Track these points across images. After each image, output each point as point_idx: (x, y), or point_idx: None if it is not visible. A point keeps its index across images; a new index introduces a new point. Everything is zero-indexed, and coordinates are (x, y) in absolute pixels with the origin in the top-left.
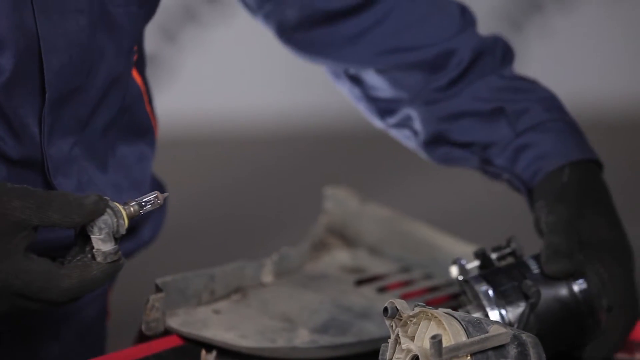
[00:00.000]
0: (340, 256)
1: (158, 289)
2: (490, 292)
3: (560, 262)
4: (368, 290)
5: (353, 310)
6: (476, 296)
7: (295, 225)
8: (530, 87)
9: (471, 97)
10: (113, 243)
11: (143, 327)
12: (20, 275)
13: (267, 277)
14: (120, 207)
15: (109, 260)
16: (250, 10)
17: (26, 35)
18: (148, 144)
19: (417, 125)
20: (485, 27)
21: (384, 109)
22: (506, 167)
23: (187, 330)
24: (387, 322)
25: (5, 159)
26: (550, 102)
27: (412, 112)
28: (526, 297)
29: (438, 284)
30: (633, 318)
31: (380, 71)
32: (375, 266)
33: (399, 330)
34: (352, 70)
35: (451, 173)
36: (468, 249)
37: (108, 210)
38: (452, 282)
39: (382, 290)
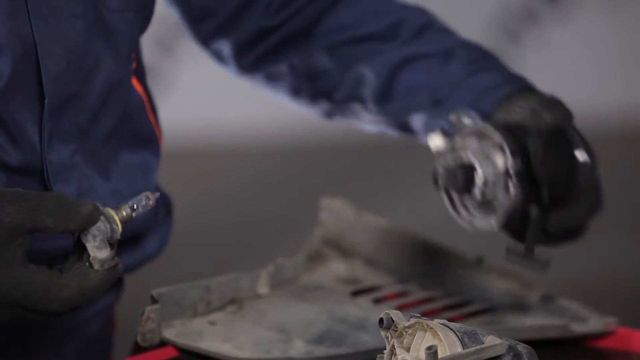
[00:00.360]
0: (336, 267)
1: (153, 300)
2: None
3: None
4: (364, 301)
5: (349, 321)
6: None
7: (291, 236)
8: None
9: (421, 45)
10: (109, 249)
11: (139, 339)
12: (20, 286)
13: (263, 288)
14: (113, 212)
15: (106, 266)
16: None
17: (23, 40)
18: (152, 153)
19: (369, 83)
20: (482, 37)
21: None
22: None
23: (182, 341)
24: (383, 333)
25: (4, 166)
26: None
27: (364, 71)
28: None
29: (434, 295)
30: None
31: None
32: (371, 277)
33: (395, 341)
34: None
35: None
36: (463, 260)
37: (101, 216)
38: (449, 293)
39: (377, 301)
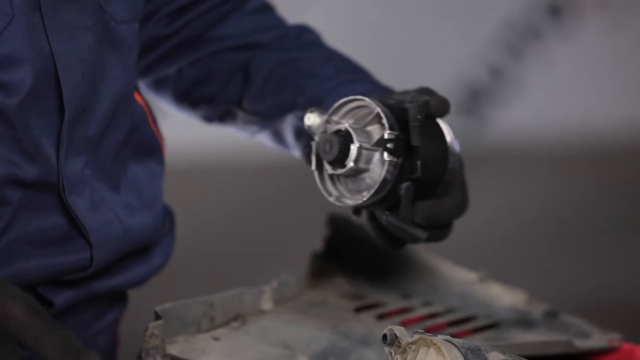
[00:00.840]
0: (340, 283)
1: (157, 317)
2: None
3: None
4: (367, 317)
5: (352, 337)
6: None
7: (294, 252)
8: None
9: (302, 50)
10: None
11: (142, 355)
12: None
13: (267, 304)
14: None
15: None
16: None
17: (42, 54)
18: (157, 163)
19: (247, 84)
20: (485, 54)
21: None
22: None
23: (186, 357)
24: (387, 349)
25: (19, 182)
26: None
27: (245, 73)
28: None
29: (437, 310)
30: None
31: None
32: (375, 293)
33: (398, 357)
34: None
35: None
36: (467, 276)
37: None
38: (452, 308)
39: (381, 317)
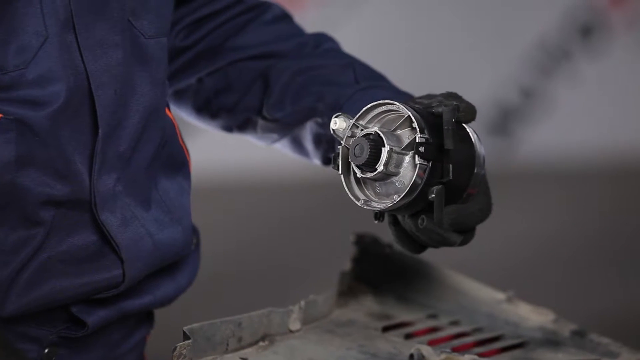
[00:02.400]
0: (367, 302)
1: (185, 336)
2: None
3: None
4: (395, 337)
5: (380, 357)
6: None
7: (322, 272)
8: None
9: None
10: None
11: None
12: None
13: (295, 324)
14: None
15: None
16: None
17: (75, 72)
18: (185, 177)
19: (267, 92)
20: (516, 75)
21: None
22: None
23: None
24: None
25: (53, 202)
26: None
27: (265, 82)
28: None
29: (465, 330)
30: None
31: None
32: (402, 313)
33: None
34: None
35: None
36: (494, 295)
37: None
38: (480, 328)
39: (408, 336)
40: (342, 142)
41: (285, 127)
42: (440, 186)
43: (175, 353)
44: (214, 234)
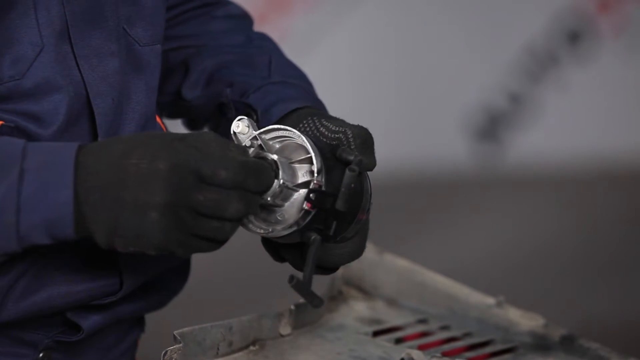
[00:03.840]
0: (358, 307)
1: (176, 340)
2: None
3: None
4: (385, 342)
5: None
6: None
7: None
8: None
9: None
10: None
11: None
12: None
13: (285, 328)
14: None
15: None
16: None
17: (73, 82)
18: None
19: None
20: (502, 79)
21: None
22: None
23: None
24: None
25: None
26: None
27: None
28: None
29: (455, 335)
30: None
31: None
32: (393, 317)
33: None
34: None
35: (468, 225)
36: (484, 300)
37: None
38: (470, 333)
39: (399, 341)
40: None
41: (198, 110)
42: (318, 237)
43: (165, 357)
44: None
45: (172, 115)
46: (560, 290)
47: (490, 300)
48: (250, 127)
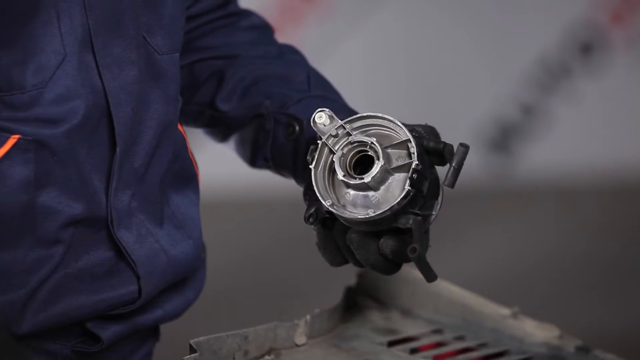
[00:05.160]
0: (373, 317)
1: (192, 350)
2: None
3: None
4: (400, 352)
5: None
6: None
7: (328, 287)
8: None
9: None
10: None
11: None
12: None
13: (300, 338)
14: None
15: None
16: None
17: (94, 91)
18: (194, 191)
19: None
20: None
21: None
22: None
23: None
24: None
25: (72, 221)
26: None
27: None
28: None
29: (470, 345)
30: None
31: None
32: (408, 327)
33: None
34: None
35: (480, 236)
36: (499, 311)
37: None
38: (485, 343)
39: (414, 351)
40: (323, 138)
41: (232, 121)
42: (418, 218)
43: None
44: (219, 249)
45: (202, 125)
46: (574, 301)
47: (505, 311)
48: (334, 117)
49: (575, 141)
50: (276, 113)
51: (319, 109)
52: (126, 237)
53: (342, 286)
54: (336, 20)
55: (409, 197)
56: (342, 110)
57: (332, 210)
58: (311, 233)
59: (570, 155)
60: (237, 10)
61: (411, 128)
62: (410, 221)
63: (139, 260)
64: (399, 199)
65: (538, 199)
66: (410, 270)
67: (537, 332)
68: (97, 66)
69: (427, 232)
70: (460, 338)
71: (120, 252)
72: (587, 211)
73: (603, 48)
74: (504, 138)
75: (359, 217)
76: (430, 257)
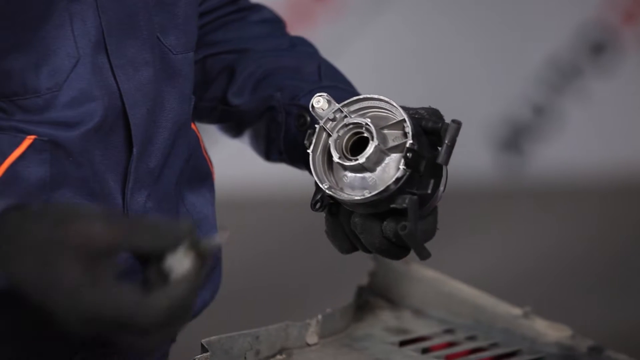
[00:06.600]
0: (385, 317)
1: (204, 349)
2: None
3: None
4: (412, 351)
5: None
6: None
7: (339, 286)
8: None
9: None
10: (194, 262)
11: None
12: (109, 304)
13: (312, 337)
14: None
15: (192, 279)
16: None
17: (109, 93)
18: (209, 189)
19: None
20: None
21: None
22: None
23: None
24: None
25: None
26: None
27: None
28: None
29: (482, 345)
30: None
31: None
32: (419, 327)
33: None
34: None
35: (491, 236)
36: (511, 310)
37: None
38: (497, 343)
39: (426, 351)
40: (321, 122)
41: (245, 115)
42: (414, 197)
43: None
44: (232, 247)
45: (215, 121)
46: (587, 302)
47: (516, 311)
48: (332, 101)
49: (586, 141)
50: (287, 105)
51: (317, 94)
52: None
53: (354, 286)
54: (347, 20)
55: (404, 177)
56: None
57: (329, 192)
58: (321, 233)
59: (582, 155)
60: (248, 5)
61: (414, 111)
62: (407, 200)
63: None
64: (394, 179)
65: (549, 198)
66: (422, 270)
67: (549, 332)
68: (112, 68)
69: (434, 211)
70: (471, 338)
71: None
72: (600, 210)
73: (615, 48)
74: (515, 137)
75: (356, 198)
76: (443, 254)
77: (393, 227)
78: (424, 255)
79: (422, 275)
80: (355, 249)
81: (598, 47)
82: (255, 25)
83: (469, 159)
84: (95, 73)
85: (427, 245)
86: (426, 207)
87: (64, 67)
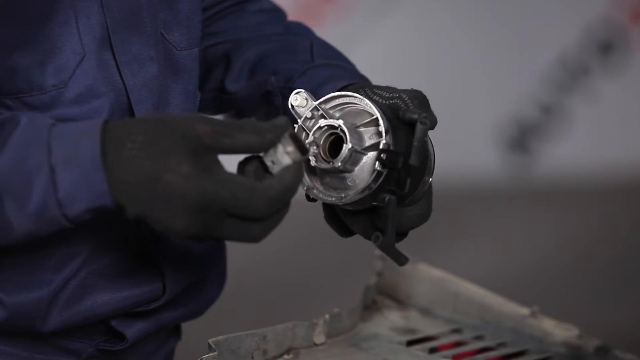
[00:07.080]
0: (392, 317)
1: (211, 349)
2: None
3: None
4: (419, 351)
5: None
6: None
7: (347, 286)
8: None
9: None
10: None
11: None
12: (227, 186)
13: (319, 337)
14: None
15: (295, 170)
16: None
17: (115, 89)
18: None
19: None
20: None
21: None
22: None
23: None
24: None
25: (97, 218)
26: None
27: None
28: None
29: (489, 345)
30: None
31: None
32: (427, 327)
33: None
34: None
35: (499, 235)
36: (519, 310)
37: None
38: (504, 343)
39: (433, 350)
40: (299, 122)
41: (243, 102)
42: (393, 197)
43: None
44: (238, 247)
45: (217, 111)
46: (594, 302)
47: (524, 311)
48: (309, 98)
49: (594, 140)
50: (282, 88)
51: (295, 91)
52: (149, 234)
53: (361, 285)
54: (355, 20)
55: (381, 178)
56: (349, 75)
57: (311, 195)
58: (330, 232)
59: (589, 154)
60: None
61: (397, 96)
62: (386, 199)
63: (163, 257)
64: (371, 179)
65: (557, 198)
66: (429, 270)
67: (556, 331)
68: (117, 64)
69: (427, 194)
70: (479, 337)
71: (144, 250)
72: (607, 209)
73: (622, 47)
74: (523, 137)
75: (332, 200)
76: (451, 254)
77: (379, 222)
78: (401, 261)
79: (429, 275)
80: (353, 233)
81: (606, 47)
82: (252, 15)
83: (477, 159)
84: (100, 69)
85: (433, 241)
86: (415, 193)
87: (69, 64)
